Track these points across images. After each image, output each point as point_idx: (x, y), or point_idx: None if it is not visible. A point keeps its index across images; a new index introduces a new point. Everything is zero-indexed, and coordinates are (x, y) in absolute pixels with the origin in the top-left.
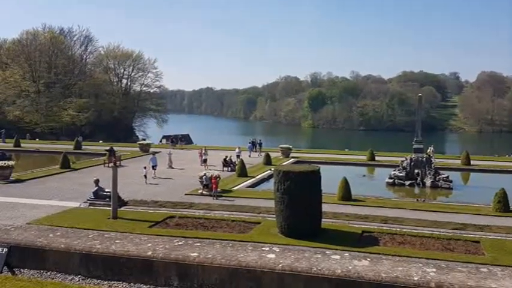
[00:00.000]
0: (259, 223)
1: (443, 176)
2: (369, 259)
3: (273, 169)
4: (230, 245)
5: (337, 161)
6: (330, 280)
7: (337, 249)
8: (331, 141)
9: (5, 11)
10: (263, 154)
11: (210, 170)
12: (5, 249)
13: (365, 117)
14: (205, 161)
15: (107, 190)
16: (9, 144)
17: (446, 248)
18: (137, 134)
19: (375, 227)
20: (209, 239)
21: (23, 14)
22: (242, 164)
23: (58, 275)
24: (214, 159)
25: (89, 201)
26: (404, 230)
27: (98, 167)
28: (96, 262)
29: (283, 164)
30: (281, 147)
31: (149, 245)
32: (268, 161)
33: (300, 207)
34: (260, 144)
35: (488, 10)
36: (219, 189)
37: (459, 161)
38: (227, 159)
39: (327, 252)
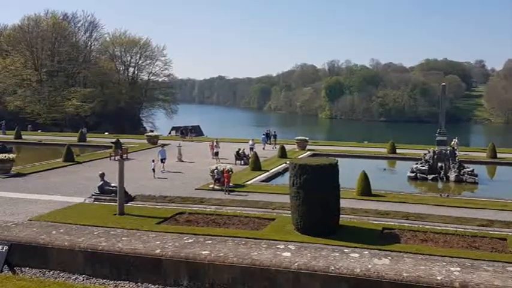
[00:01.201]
0: (273, 219)
1: (468, 169)
2: (389, 257)
3: (288, 162)
4: (243, 242)
5: (356, 154)
6: (349, 280)
7: (356, 247)
8: (350, 133)
9: None
10: (278, 146)
11: (222, 163)
12: (6, 247)
13: (385, 108)
14: (216, 153)
15: (113, 185)
16: (9, 136)
17: (471, 246)
18: (145, 126)
19: (396, 224)
20: (221, 236)
21: None
22: (256, 157)
23: (61, 274)
24: (226, 152)
25: (93, 197)
26: (427, 226)
27: (103, 160)
28: (101, 261)
29: (299, 157)
30: (297, 139)
31: (158, 242)
32: (283, 153)
33: (317, 203)
34: (275, 136)
35: None
36: (231, 184)
37: (485, 154)
38: (240, 152)
39: (346, 250)
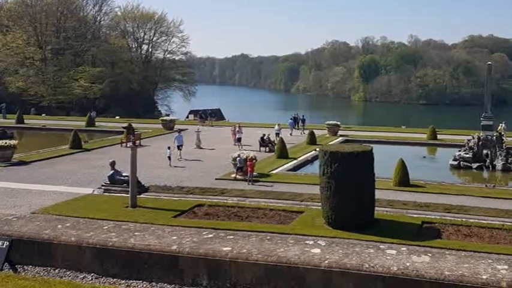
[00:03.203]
0: (301, 212)
1: None
2: (429, 254)
3: (318, 149)
4: (268, 237)
5: (392, 140)
6: (384, 279)
7: (392, 243)
8: (386, 117)
9: None
10: (306, 132)
11: (245, 150)
12: (6, 243)
13: (425, 89)
14: (239, 140)
15: (124, 174)
16: (10, 121)
17: None
18: (160, 109)
19: (437, 217)
20: (244, 231)
21: None
22: (282, 143)
23: (68, 272)
24: (249, 138)
25: (103, 187)
26: (471, 220)
27: (114, 147)
28: (112, 258)
29: (330, 143)
30: (327, 124)
31: (174, 238)
32: (312, 140)
33: (350, 194)
34: (303, 121)
35: None
36: (255, 173)
37: None
38: (265, 138)
39: (381, 246)
